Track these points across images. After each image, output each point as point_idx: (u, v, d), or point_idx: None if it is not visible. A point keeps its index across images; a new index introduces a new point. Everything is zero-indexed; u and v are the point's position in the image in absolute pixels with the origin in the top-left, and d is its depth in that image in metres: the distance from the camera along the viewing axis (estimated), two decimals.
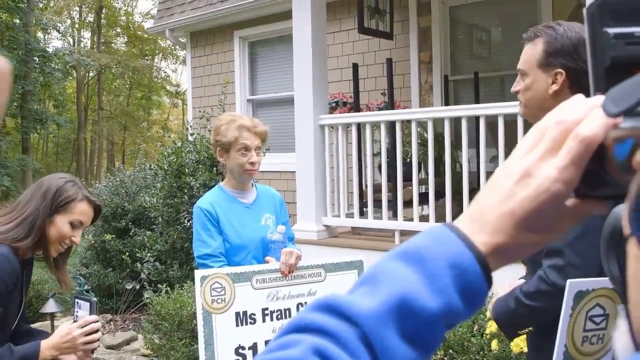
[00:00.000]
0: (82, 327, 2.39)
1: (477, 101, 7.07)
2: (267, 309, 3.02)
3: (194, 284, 5.57)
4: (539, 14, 7.40)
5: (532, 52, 2.11)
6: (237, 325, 2.93)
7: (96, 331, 2.43)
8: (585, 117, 0.62)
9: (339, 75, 8.45)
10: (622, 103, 0.53)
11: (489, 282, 0.65)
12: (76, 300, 2.56)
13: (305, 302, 3.09)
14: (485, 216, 0.67)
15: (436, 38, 7.95)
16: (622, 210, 0.64)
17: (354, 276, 3.27)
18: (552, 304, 1.92)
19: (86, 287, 7.49)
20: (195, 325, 4.85)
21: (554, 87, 2.04)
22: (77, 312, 2.52)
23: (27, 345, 2.28)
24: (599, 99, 0.61)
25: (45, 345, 2.30)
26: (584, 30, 2.02)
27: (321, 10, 6.42)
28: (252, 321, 2.97)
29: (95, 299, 2.57)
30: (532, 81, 2.10)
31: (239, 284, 2.96)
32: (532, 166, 0.64)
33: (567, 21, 2.09)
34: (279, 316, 3.03)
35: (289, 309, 3.06)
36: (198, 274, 2.93)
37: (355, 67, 6.84)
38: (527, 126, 5.07)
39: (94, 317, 2.45)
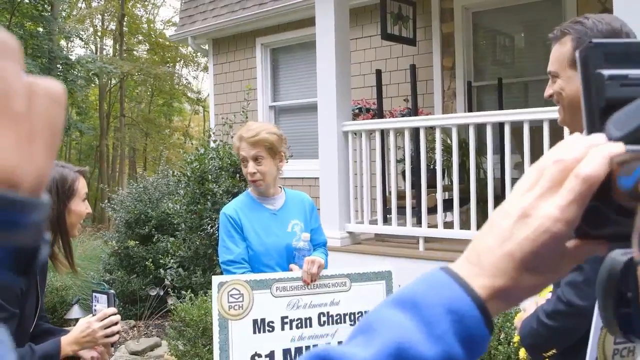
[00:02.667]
0: (101, 320, 2.38)
1: (500, 107, 7.01)
2: (286, 317, 2.99)
3: None
4: (564, 19, 7.34)
5: (561, 51, 1.97)
6: (255, 332, 2.91)
7: (116, 323, 2.42)
8: (585, 155, 0.60)
9: (361, 82, 8.44)
10: (625, 127, 0.52)
11: (489, 327, 0.62)
12: (94, 294, 2.56)
13: (328, 312, 3.06)
14: (484, 259, 0.64)
15: (459, 44, 7.92)
16: (618, 255, 0.64)
17: (382, 287, 3.22)
18: (571, 325, 1.85)
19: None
20: None
21: None
22: (95, 306, 2.51)
23: (47, 342, 2.28)
24: (597, 137, 0.61)
25: (65, 340, 2.30)
26: (615, 21, 1.96)
27: (344, 17, 6.41)
28: (271, 329, 2.94)
29: (112, 291, 2.56)
30: (565, 83, 1.98)
31: (258, 291, 2.95)
32: (531, 206, 0.62)
33: None
34: (299, 325, 3.00)
35: (310, 318, 3.03)
36: (215, 280, 2.92)
37: (378, 73, 6.83)
38: (553, 132, 5.03)
39: (113, 309, 2.45)
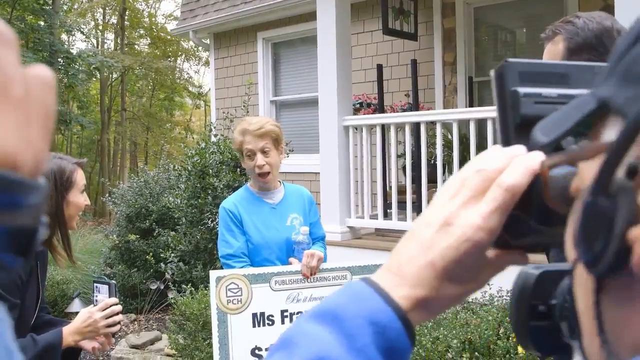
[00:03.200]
0: (103, 310, 2.38)
1: None
2: (286, 310, 2.99)
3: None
4: (565, 14, 7.33)
5: (553, 51, 1.97)
6: (254, 326, 2.91)
7: (117, 313, 2.42)
8: (506, 165, 0.60)
9: (362, 77, 8.43)
10: (552, 133, 0.53)
11: (411, 338, 0.61)
12: (95, 284, 2.56)
13: None
14: (405, 268, 0.63)
15: (460, 39, 7.91)
16: (530, 269, 0.65)
17: None
18: None
19: None
20: None
21: None
22: (96, 296, 2.51)
23: (49, 332, 2.28)
24: (517, 148, 0.62)
25: (67, 331, 2.31)
26: (605, 19, 1.96)
27: (345, 12, 6.41)
28: (270, 322, 2.95)
29: (114, 281, 2.56)
30: None
31: (256, 285, 2.95)
32: (453, 214, 0.62)
33: None
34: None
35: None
36: (213, 274, 2.93)
37: (379, 68, 6.83)
38: None
39: (114, 299, 2.45)
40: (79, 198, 2.39)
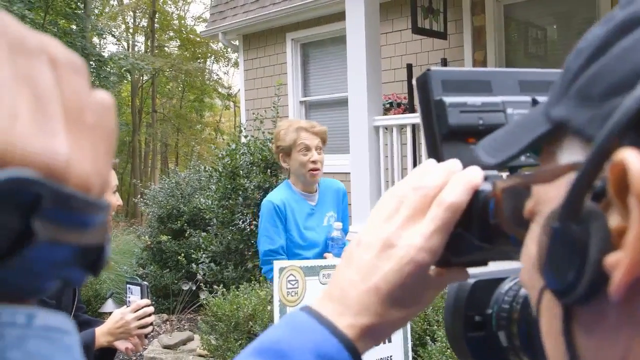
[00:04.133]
0: (135, 312, 2.40)
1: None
2: None
3: (249, 284, 5.62)
4: (597, 10, 7.24)
5: None
6: None
7: (149, 315, 2.43)
8: (445, 182, 0.59)
9: (392, 76, 8.40)
10: (499, 155, 0.51)
11: None
12: (127, 285, 2.58)
13: None
14: (348, 295, 0.61)
15: (490, 37, 7.85)
16: (464, 285, 0.64)
17: None
18: None
19: None
20: (252, 326, 4.88)
21: None
22: (129, 297, 2.53)
23: (82, 333, 2.28)
24: (453, 162, 0.60)
25: (99, 332, 2.32)
26: None
27: (375, 11, 6.39)
28: None
29: (146, 282, 2.58)
30: None
31: (309, 277, 2.96)
32: (393, 236, 0.59)
33: None
34: None
35: None
36: (277, 265, 2.92)
37: (409, 67, 6.80)
38: None
39: (146, 300, 2.46)
40: (111, 198, 2.39)
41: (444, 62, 6.56)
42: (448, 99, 0.64)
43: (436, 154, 0.65)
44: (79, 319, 2.44)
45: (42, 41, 0.39)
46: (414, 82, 0.68)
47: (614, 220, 0.36)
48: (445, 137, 0.64)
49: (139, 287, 2.52)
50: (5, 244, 0.35)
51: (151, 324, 2.46)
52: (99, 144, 0.42)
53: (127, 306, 2.46)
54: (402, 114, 6.94)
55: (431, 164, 0.62)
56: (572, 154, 0.42)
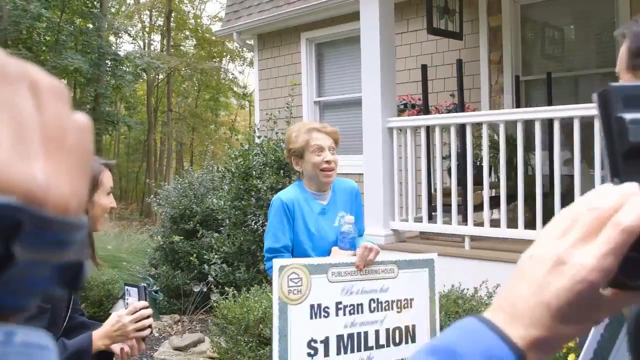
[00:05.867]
0: (132, 314, 2.35)
1: (549, 102, 6.85)
2: (340, 302, 2.95)
3: (260, 287, 5.57)
4: (616, 11, 7.13)
5: (621, 52, 1.95)
6: (312, 317, 2.86)
7: (147, 317, 2.38)
8: (621, 204, 0.58)
9: (407, 77, 8.34)
10: None
11: None
12: (126, 287, 2.54)
13: (377, 298, 3.03)
14: (518, 308, 0.62)
15: (507, 37, 7.76)
16: None
17: (425, 274, 3.21)
18: None
19: (155, 287, 7.61)
20: (262, 329, 4.84)
21: None
22: (127, 299, 2.49)
23: (79, 337, 2.25)
24: (630, 186, 0.60)
25: (97, 335, 2.28)
26: None
27: (389, 11, 6.33)
28: (326, 314, 2.90)
29: (143, 284, 2.53)
30: None
31: (315, 275, 2.91)
32: (565, 253, 0.60)
33: None
34: (352, 311, 2.96)
35: (361, 304, 2.99)
36: (277, 263, 2.88)
37: (424, 68, 6.72)
38: None
39: (143, 302, 2.41)
40: (104, 199, 2.35)
41: (460, 63, 6.47)
42: (629, 116, 0.63)
43: (616, 172, 0.64)
44: (75, 321, 2.40)
45: (23, 67, 0.40)
46: (594, 97, 0.67)
47: None
48: (625, 155, 0.63)
49: (136, 289, 2.48)
50: None
51: (149, 326, 2.41)
52: (77, 165, 0.44)
53: (125, 308, 2.41)
54: (417, 115, 6.86)
55: (607, 186, 0.63)
56: None
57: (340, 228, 3.20)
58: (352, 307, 2.96)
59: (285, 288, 2.83)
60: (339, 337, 2.90)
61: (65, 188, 0.42)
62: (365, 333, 2.94)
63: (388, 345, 3.00)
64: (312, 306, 2.87)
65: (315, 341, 2.84)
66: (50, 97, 0.42)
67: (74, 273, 0.44)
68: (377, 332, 2.98)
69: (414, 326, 3.11)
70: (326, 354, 2.85)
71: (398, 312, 3.07)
